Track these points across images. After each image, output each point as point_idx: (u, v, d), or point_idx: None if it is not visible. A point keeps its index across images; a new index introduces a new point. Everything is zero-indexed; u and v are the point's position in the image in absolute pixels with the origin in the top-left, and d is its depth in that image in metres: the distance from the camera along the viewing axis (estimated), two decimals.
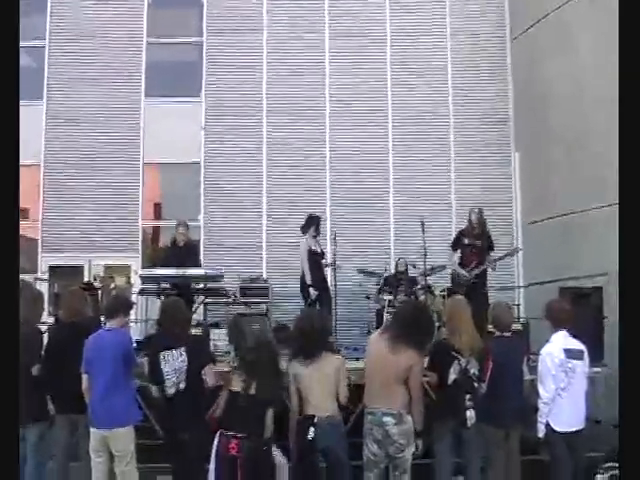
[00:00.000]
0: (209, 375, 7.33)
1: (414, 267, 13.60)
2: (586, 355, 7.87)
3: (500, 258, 12.22)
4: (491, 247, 12.29)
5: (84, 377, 7.38)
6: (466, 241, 12.28)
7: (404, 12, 17.18)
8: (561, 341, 7.73)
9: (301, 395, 7.37)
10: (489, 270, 12.19)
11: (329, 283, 12.83)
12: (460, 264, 12.26)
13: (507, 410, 7.60)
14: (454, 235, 12.80)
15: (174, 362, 7.30)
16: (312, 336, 7.43)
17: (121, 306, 7.78)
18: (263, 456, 6.92)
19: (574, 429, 7.54)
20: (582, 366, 7.75)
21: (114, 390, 7.24)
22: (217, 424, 7.12)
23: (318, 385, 7.28)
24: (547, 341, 7.86)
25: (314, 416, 7.21)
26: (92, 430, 7.32)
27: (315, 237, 12.61)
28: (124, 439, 7.31)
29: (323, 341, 7.61)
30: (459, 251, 12.40)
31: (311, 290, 12.26)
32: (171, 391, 7.34)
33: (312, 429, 7.13)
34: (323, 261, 12.61)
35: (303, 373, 7.32)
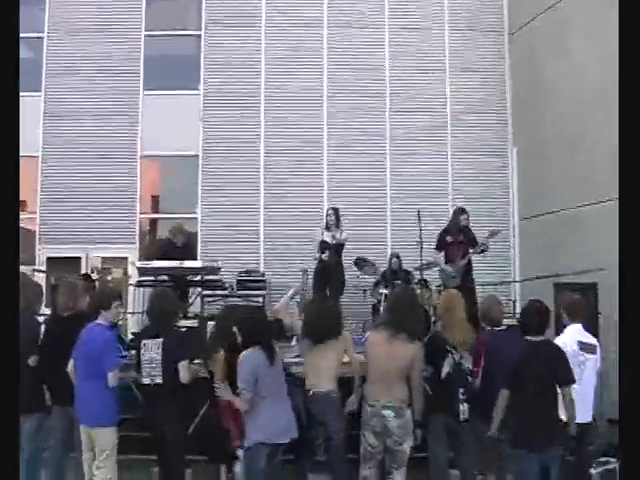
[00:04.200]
0: (182, 370, 7.25)
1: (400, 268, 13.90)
2: (599, 350, 7.91)
3: (483, 243, 12.27)
4: (475, 241, 12.38)
5: (70, 361, 7.41)
6: (449, 239, 12.40)
7: (402, 7, 17.19)
8: (575, 334, 7.77)
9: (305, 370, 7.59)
10: (482, 253, 12.37)
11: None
12: (446, 262, 12.38)
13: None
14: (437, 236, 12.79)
15: (151, 352, 7.35)
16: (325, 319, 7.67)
17: (101, 301, 7.73)
18: None
19: (582, 422, 7.52)
20: (594, 360, 7.79)
21: (91, 388, 7.24)
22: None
23: (321, 362, 7.47)
24: (560, 332, 7.90)
25: (309, 390, 7.42)
26: (80, 425, 7.40)
27: (328, 228, 12.85)
28: (104, 437, 7.29)
29: (335, 324, 7.79)
30: (443, 251, 12.52)
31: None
32: (145, 381, 7.39)
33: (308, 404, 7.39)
34: (324, 253, 12.66)
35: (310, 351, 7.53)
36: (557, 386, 6.88)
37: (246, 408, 6.77)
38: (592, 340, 7.93)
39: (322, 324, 7.76)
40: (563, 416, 7.00)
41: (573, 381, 6.97)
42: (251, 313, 7.66)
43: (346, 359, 7.96)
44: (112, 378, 7.23)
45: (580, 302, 8.24)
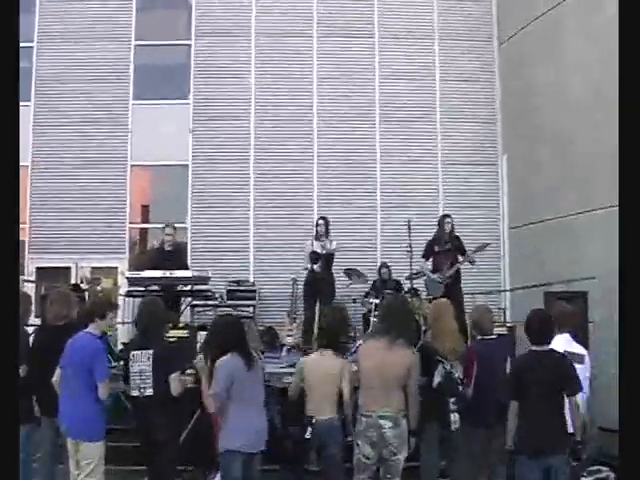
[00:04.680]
0: (173, 383, 7.14)
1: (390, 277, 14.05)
2: (587, 360, 7.88)
3: (471, 255, 12.27)
4: (463, 249, 12.39)
5: (57, 371, 7.27)
6: (437, 248, 12.42)
7: (392, 14, 17.23)
8: (562, 343, 7.68)
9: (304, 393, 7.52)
10: (470, 265, 12.36)
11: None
12: (433, 271, 12.37)
13: (489, 412, 7.60)
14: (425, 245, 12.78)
15: (141, 364, 7.23)
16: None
17: (96, 309, 7.58)
18: None
19: (571, 431, 7.49)
20: (582, 370, 7.67)
21: (78, 400, 7.07)
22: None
23: (321, 386, 7.42)
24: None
25: (312, 418, 7.35)
26: (67, 438, 7.24)
27: (317, 238, 12.93)
28: (89, 452, 7.09)
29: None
30: (431, 259, 12.52)
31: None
32: (134, 393, 7.29)
33: (309, 429, 7.29)
34: (316, 264, 12.70)
35: (310, 372, 7.48)
36: (564, 395, 6.87)
37: (214, 410, 6.80)
38: (580, 350, 7.91)
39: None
40: (571, 428, 6.99)
41: (580, 389, 6.97)
42: (226, 321, 7.62)
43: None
44: (103, 389, 7.09)
45: (568, 311, 8.22)
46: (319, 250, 12.72)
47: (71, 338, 7.32)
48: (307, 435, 7.38)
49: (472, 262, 12.30)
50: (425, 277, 12.71)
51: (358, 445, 7.18)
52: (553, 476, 6.79)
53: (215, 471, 7.29)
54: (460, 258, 12.26)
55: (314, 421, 7.37)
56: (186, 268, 12.50)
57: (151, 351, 7.23)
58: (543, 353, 6.97)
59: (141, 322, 7.62)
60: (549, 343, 7.06)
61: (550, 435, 6.76)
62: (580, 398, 7.48)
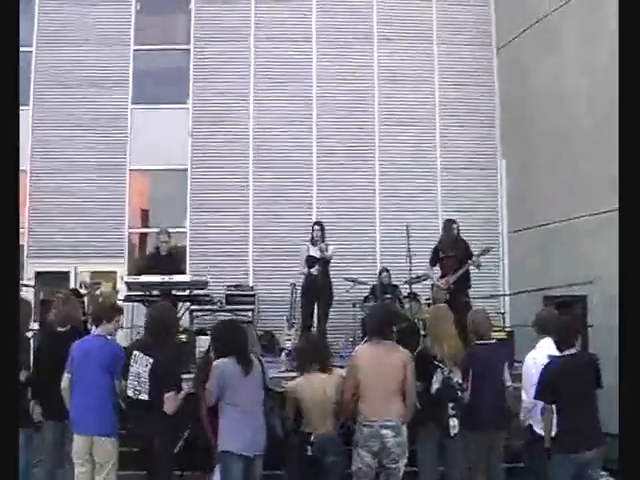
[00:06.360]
0: (168, 402, 7.09)
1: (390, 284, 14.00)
2: None
3: (476, 259, 12.20)
4: (469, 253, 12.32)
5: (65, 377, 7.34)
6: (441, 254, 12.37)
7: (391, 19, 17.24)
8: (546, 347, 7.74)
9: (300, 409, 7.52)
10: (472, 269, 12.25)
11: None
12: (440, 277, 12.31)
13: (487, 417, 7.60)
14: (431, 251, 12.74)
15: (139, 366, 7.21)
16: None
17: (103, 312, 7.73)
18: None
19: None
20: None
21: (96, 397, 7.16)
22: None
23: (319, 402, 7.40)
24: (533, 348, 7.91)
25: (310, 434, 7.34)
26: (75, 436, 7.26)
27: (313, 243, 12.84)
28: (105, 449, 7.19)
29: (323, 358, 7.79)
30: (438, 265, 12.48)
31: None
32: (129, 392, 7.27)
33: (309, 447, 7.29)
34: (315, 268, 12.68)
35: (305, 396, 7.46)
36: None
37: (209, 404, 7.02)
38: None
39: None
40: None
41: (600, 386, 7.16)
42: (225, 325, 7.69)
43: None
44: (118, 386, 7.33)
45: (551, 317, 8.23)
46: (316, 255, 12.70)
47: (77, 342, 7.42)
48: (308, 452, 7.36)
49: (479, 267, 12.21)
50: (431, 282, 12.64)
51: (359, 454, 7.19)
52: (592, 470, 6.95)
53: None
54: (469, 262, 12.15)
55: (313, 438, 7.36)
56: (181, 272, 12.53)
57: (152, 360, 7.20)
58: (575, 355, 7.15)
59: (149, 327, 7.63)
60: (574, 345, 7.20)
61: (592, 430, 6.94)
62: None
